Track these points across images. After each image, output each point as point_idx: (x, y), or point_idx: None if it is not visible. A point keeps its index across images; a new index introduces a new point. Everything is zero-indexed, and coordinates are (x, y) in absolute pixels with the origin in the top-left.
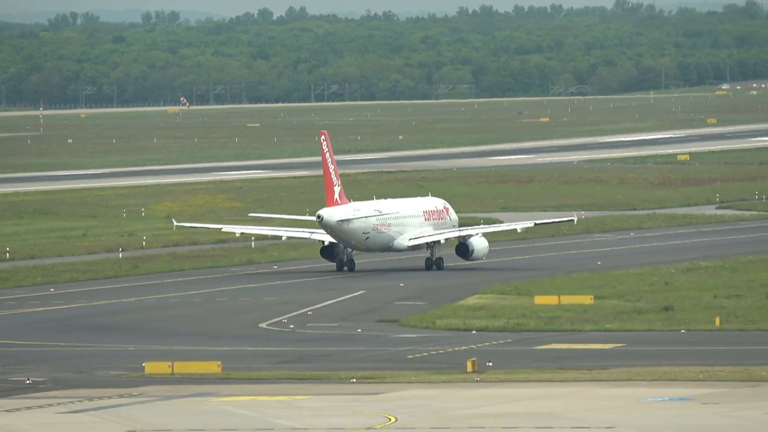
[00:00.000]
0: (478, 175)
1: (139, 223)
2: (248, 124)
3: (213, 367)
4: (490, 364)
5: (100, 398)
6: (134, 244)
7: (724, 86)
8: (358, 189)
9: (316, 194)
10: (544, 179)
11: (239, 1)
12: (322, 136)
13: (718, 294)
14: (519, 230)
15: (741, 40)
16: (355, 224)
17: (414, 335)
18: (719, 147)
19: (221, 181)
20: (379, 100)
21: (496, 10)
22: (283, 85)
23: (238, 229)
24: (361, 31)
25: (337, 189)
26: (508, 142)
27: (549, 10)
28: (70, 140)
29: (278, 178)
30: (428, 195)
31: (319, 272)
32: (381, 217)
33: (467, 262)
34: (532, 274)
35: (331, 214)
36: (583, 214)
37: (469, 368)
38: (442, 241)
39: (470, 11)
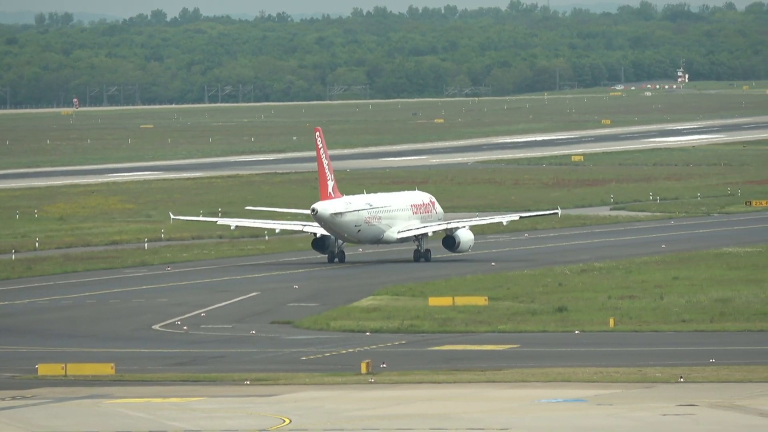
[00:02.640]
0: (373, 177)
1: (32, 224)
2: (142, 126)
3: (106, 368)
4: (384, 365)
5: None
6: (27, 246)
7: (619, 87)
8: (252, 190)
9: (209, 195)
10: (439, 180)
11: (132, 3)
12: (317, 133)
13: (612, 295)
14: (505, 223)
15: (635, 41)
16: (347, 217)
17: (308, 337)
18: (613, 148)
19: (114, 183)
20: (273, 101)
21: (390, 12)
22: (176, 86)
23: (232, 222)
24: (255, 32)
25: (330, 183)
26: (402, 144)
27: (443, 12)
28: None
29: (172, 179)
30: (415, 189)
31: (211, 273)
32: (372, 210)
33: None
34: (426, 275)
35: (325, 207)
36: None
37: (364, 370)
38: (430, 234)
39: (364, 12)
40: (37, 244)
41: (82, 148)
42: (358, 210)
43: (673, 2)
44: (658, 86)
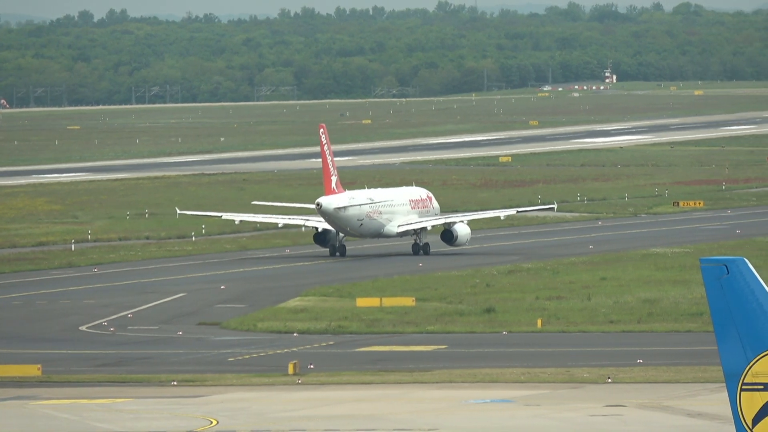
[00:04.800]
0: (300, 177)
1: None
2: (69, 127)
3: (33, 370)
4: (312, 366)
5: None
6: None
7: (546, 88)
8: (179, 191)
9: (136, 196)
10: (366, 181)
11: (59, 4)
12: (321, 130)
13: (539, 296)
14: (502, 218)
15: (563, 42)
16: (350, 211)
17: (235, 338)
18: (541, 149)
19: (40, 184)
20: (200, 102)
21: (318, 13)
22: (104, 87)
23: (237, 217)
24: (182, 33)
25: (334, 179)
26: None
27: (371, 12)
28: None
29: (98, 180)
30: (412, 185)
31: (138, 274)
32: (373, 204)
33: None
34: (354, 276)
35: (329, 202)
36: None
37: (291, 371)
38: (429, 228)
39: (292, 13)
40: None
41: (8, 149)
42: (360, 204)
43: (601, 3)
44: (585, 87)
